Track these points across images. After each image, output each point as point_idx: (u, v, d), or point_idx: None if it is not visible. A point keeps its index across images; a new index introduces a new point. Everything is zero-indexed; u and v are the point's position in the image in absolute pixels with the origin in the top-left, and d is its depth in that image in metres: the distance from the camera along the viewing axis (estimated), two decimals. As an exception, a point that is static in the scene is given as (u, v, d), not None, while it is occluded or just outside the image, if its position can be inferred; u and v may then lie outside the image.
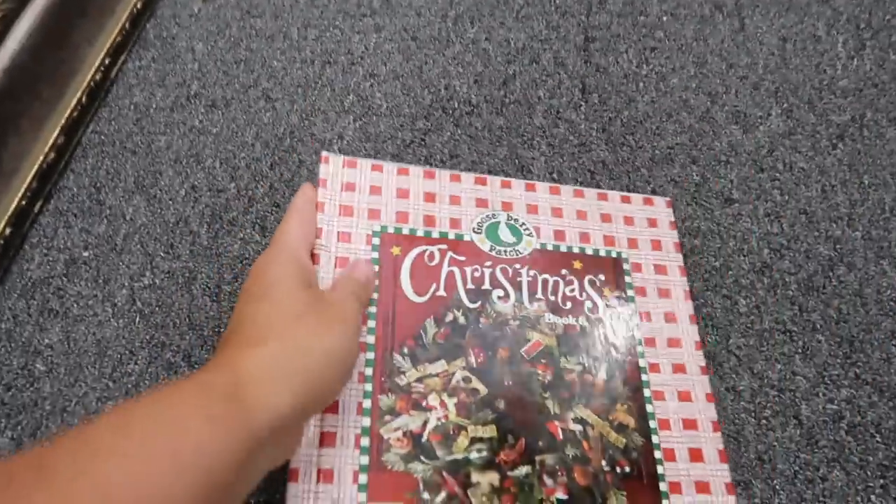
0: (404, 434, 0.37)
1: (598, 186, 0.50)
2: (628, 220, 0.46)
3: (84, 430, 0.25)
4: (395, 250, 0.42)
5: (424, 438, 0.37)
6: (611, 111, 0.53)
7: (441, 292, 0.41)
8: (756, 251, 0.46)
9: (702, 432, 0.39)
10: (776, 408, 0.41)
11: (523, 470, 0.37)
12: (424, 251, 0.42)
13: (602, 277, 0.43)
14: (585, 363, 0.41)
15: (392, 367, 0.39)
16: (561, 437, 0.38)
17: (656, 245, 0.45)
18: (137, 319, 0.47)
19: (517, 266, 0.43)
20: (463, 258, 0.43)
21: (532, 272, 0.43)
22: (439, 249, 0.43)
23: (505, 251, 0.43)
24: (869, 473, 0.38)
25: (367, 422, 0.37)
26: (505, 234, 0.44)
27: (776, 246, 0.46)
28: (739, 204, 0.48)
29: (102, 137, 0.55)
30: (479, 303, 0.42)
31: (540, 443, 0.38)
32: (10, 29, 0.52)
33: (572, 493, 0.37)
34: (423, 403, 0.38)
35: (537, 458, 0.37)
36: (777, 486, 0.38)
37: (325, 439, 0.36)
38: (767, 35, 0.56)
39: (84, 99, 0.56)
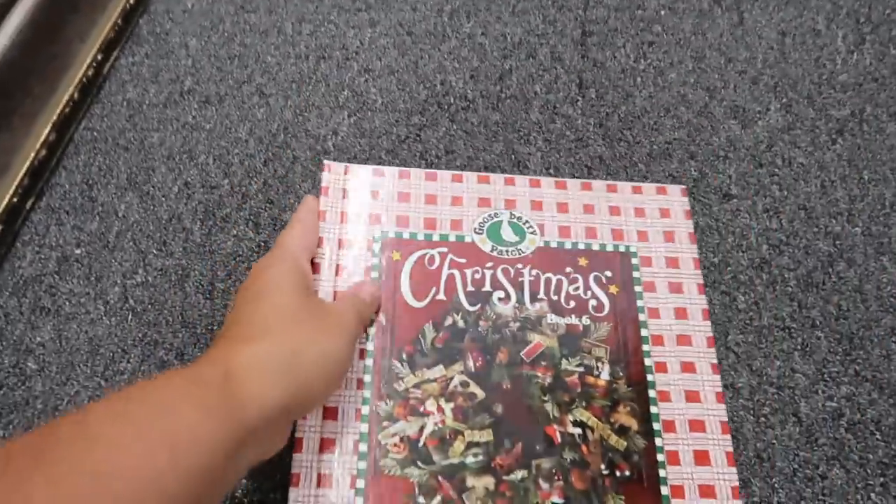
0: (401, 439, 0.37)
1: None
2: (639, 212, 0.44)
3: (81, 417, 0.25)
4: (396, 255, 0.42)
5: (421, 443, 0.37)
6: (608, 106, 0.53)
7: (441, 296, 0.41)
8: (755, 247, 0.46)
9: (709, 434, 0.38)
10: (775, 405, 0.40)
11: (519, 474, 0.37)
12: (425, 255, 0.42)
13: (609, 274, 0.42)
14: (587, 364, 0.40)
15: (390, 373, 0.39)
16: (559, 440, 0.38)
17: (669, 237, 0.44)
18: (130, 317, 0.47)
19: (519, 266, 0.42)
20: (463, 260, 0.42)
21: (535, 271, 0.42)
22: (439, 253, 0.42)
23: (507, 251, 0.43)
24: (869, 471, 0.38)
25: (365, 428, 0.37)
26: (507, 233, 0.44)
27: (775, 242, 0.46)
28: (738, 199, 0.48)
29: (95, 134, 0.55)
30: (479, 305, 0.41)
31: (537, 447, 0.38)
32: (-1, 24, 0.52)
33: (568, 497, 0.37)
34: (421, 409, 0.38)
35: (534, 462, 0.37)
36: (776, 485, 0.38)
37: (325, 445, 0.37)
38: (766, 29, 0.55)
39: (76, 95, 0.56)
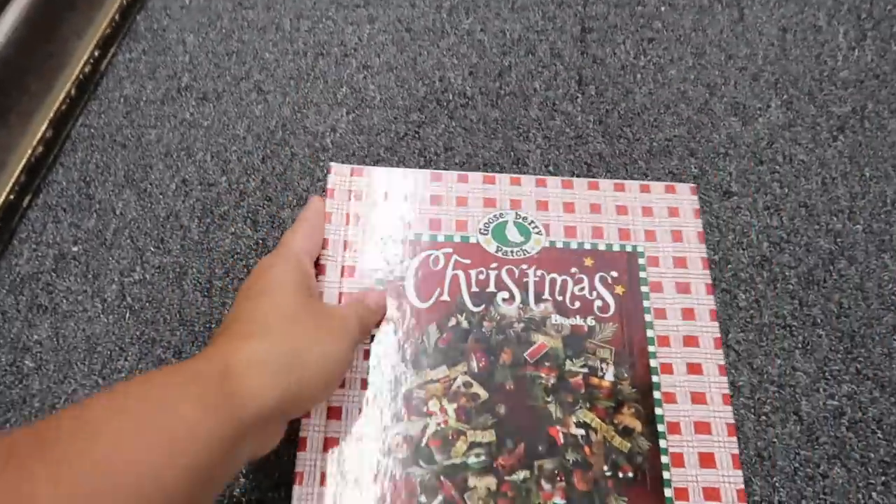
0: (404, 439, 0.38)
1: (595, 179, 0.49)
2: (647, 211, 0.44)
3: (83, 409, 0.26)
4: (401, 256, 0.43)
5: (423, 443, 0.38)
6: (608, 103, 0.53)
7: (445, 297, 0.41)
8: (755, 245, 0.45)
9: (715, 436, 0.38)
10: (776, 404, 0.40)
11: (521, 475, 0.37)
12: (429, 255, 0.42)
13: (615, 274, 0.42)
14: (591, 365, 0.40)
15: (394, 373, 0.39)
16: (562, 441, 0.38)
17: (677, 236, 0.43)
18: (127, 315, 0.46)
19: (524, 266, 0.42)
20: (468, 261, 0.42)
21: (539, 272, 0.42)
22: (444, 253, 0.42)
23: (512, 251, 0.43)
24: (870, 470, 0.38)
25: (368, 428, 0.38)
26: (512, 233, 0.43)
27: (776, 239, 0.46)
28: (738, 197, 0.47)
29: (92, 131, 0.55)
30: (483, 306, 0.41)
31: (539, 447, 0.38)
32: (-5, 20, 0.51)
33: (571, 498, 0.37)
34: (424, 409, 0.38)
35: (536, 462, 0.37)
36: (777, 484, 0.38)
37: (329, 444, 0.37)
38: (767, 25, 0.55)
39: (73, 92, 0.55)
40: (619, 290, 0.42)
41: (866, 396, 0.40)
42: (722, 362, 0.40)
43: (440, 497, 0.36)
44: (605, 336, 0.41)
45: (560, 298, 0.41)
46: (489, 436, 0.38)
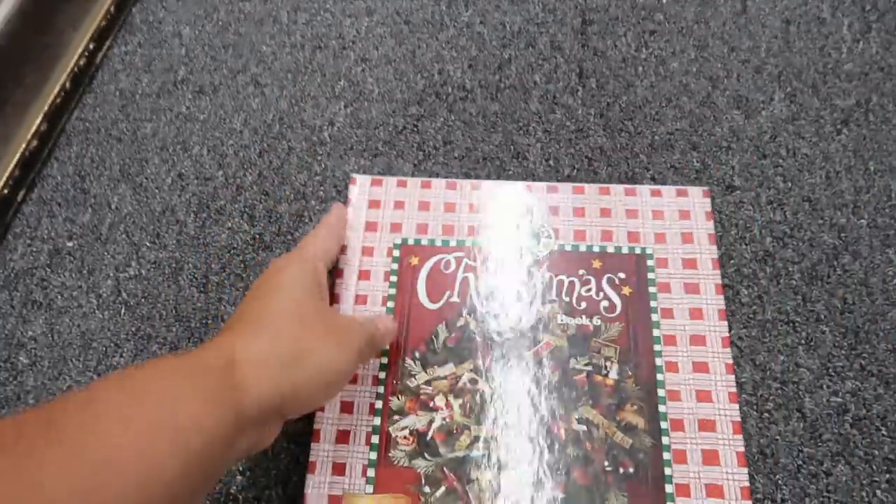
0: (411, 433, 0.39)
1: (595, 173, 0.48)
2: (657, 214, 0.45)
3: (92, 393, 0.26)
4: (414, 260, 0.44)
5: (429, 437, 0.39)
6: (609, 96, 0.52)
7: (455, 298, 0.43)
8: (758, 240, 0.45)
9: (720, 434, 0.38)
10: (779, 401, 0.40)
11: (522, 468, 0.38)
12: (441, 259, 0.44)
13: (622, 275, 0.43)
14: (596, 363, 0.40)
15: (404, 370, 0.41)
16: (563, 437, 0.39)
17: (687, 238, 0.44)
18: (123, 311, 0.46)
19: (532, 269, 0.44)
20: (478, 264, 0.44)
21: (548, 274, 0.43)
22: (455, 257, 0.44)
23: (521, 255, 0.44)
24: (874, 468, 0.37)
25: (377, 421, 0.40)
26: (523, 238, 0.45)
27: (779, 234, 0.45)
28: (741, 191, 0.47)
29: (87, 124, 0.54)
30: (491, 307, 0.43)
31: (541, 442, 0.38)
32: (-12, 12, 0.51)
33: (571, 492, 0.37)
34: (431, 404, 0.40)
35: (538, 457, 0.38)
36: (780, 481, 0.37)
37: (340, 437, 0.39)
38: (770, 17, 0.54)
39: (68, 85, 0.55)
40: (626, 290, 0.43)
41: (870, 393, 0.39)
42: (730, 361, 0.40)
43: (443, 488, 0.38)
44: (610, 335, 0.41)
45: (567, 299, 0.43)
46: (492, 430, 0.39)
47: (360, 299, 0.43)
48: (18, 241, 0.49)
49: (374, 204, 0.46)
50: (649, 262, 0.43)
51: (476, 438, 0.39)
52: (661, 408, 0.39)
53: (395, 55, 0.56)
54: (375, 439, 0.39)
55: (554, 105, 0.52)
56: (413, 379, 0.41)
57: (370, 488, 0.38)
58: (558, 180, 0.49)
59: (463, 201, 0.46)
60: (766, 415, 0.39)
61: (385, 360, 0.41)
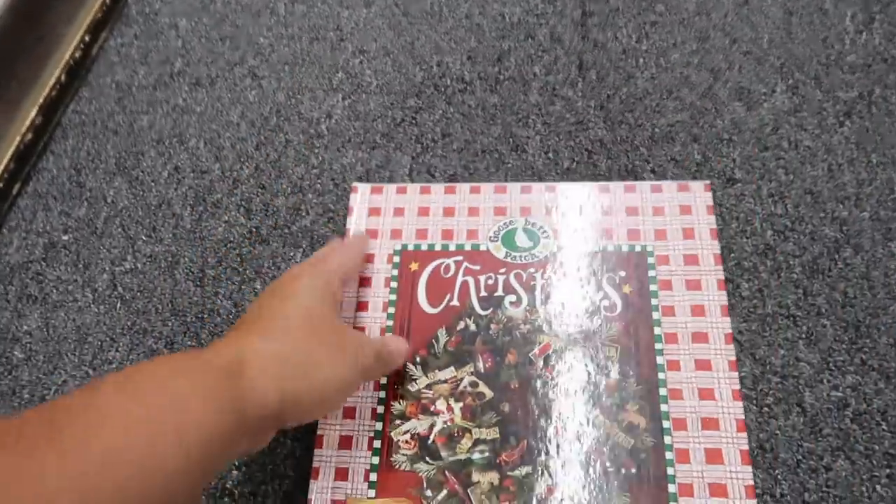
0: (412, 437, 0.39)
1: (595, 166, 0.48)
2: (658, 211, 0.45)
3: (95, 393, 0.26)
4: (414, 266, 0.44)
5: (430, 440, 0.39)
6: (609, 88, 0.51)
7: (454, 302, 0.43)
8: (759, 233, 0.44)
9: (723, 432, 0.38)
10: (779, 395, 0.39)
11: (523, 470, 0.38)
12: (441, 264, 0.44)
13: (623, 274, 0.43)
14: (597, 363, 0.40)
15: (405, 374, 0.41)
16: (564, 438, 0.38)
17: (689, 234, 0.44)
18: (118, 305, 0.46)
19: (532, 270, 0.43)
20: (477, 267, 0.44)
21: (547, 275, 0.43)
22: (455, 261, 0.44)
23: (520, 256, 0.44)
24: (874, 462, 0.37)
25: (379, 426, 0.40)
26: (521, 239, 0.45)
27: (780, 227, 0.45)
28: (742, 184, 0.46)
29: (83, 117, 0.54)
30: (491, 310, 0.43)
31: (542, 444, 0.38)
32: (-19, 4, 0.50)
33: (572, 493, 0.37)
34: (432, 408, 0.40)
35: (538, 458, 0.38)
36: (779, 476, 0.37)
37: (343, 442, 0.39)
38: (772, 8, 0.54)
39: (63, 78, 0.54)
40: (626, 289, 0.42)
41: (871, 387, 0.39)
42: (732, 358, 0.40)
43: (444, 491, 0.38)
44: (610, 335, 0.41)
45: (567, 299, 0.42)
46: (493, 433, 0.39)
47: (362, 306, 0.43)
48: (13, 235, 0.49)
49: (374, 212, 0.47)
50: (650, 260, 0.43)
51: (477, 441, 0.39)
52: (663, 407, 0.39)
53: (393, 47, 0.55)
54: (377, 444, 0.39)
55: (553, 97, 0.51)
56: (414, 383, 0.41)
57: (372, 492, 0.38)
58: (557, 173, 0.48)
59: (462, 205, 0.46)
60: (766, 409, 0.39)
61: None
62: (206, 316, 0.45)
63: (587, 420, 0.39)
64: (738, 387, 0.39)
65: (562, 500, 0.37)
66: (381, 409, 0.40)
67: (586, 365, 0.40)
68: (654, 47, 0.53)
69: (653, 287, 0.42)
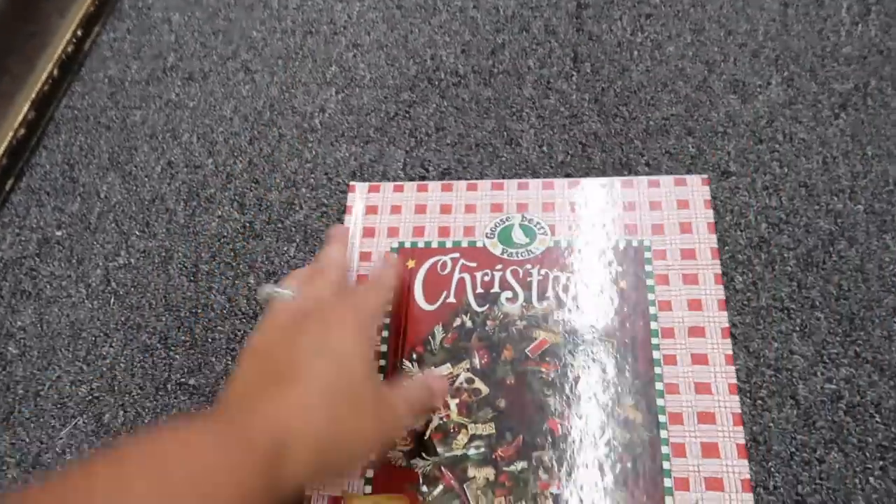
0: (408, 433, 0.39)
1: (589, 159, 0.48)
2: (655, 205, 0.45)
3: (119, 465, 0.25)
4: (410, 263, 0.44)
5: (426, 436, 0.39)
6: (604, 81, 0.51)
7: (451, 299, 0.43)
8: (753, 225, 0.44)
9: (719, 426, 0.38)
10: (772, 388, 0.39)
11: (519, 465, 0.38)
12: (437, 261, 0.44)
13: (619, 269, 0.43)
14: (594, 358, 0.40)
15: (401, 371, 0.41)
16: (560, 433, 0.38)
17: (686, 228, 0.44)
18: (112, 300, 0.45)
19: (528, 266, 0.43)
20: (474, 264, 0.44)
21: (543, 271, 0.43)
22: (451, 258, 0.44)
23: (517, 252, 0.44)
24: (868, 454, 0.37)
25: None
26: (518, 235, 0.45)
27: (774, 220, 0.44)
28: (737, 177, 0.46)
29: (75, 112, 0.53)
30: (487, 306, 0.43)
31: (538, 439, 0.38)
32: (-29, -2, 0.50)
33: (568, 488, 0.37)
34: None
35: (534, 454, 0.38)
36: (772, 468, 0.37)
37: None
38: (768, 0, 0.53)
39: (56, 72, 0.54)
40: (622, 284, 0.42)
41: (865, 380, 0.39)
42: (729, 352, 0.40)
43: (440, 487, 0.38)
44: (607, 330, 0.41)
45: (563, 295, 0.42)
46: (489, 429, 0.39)
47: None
48: (7, 231, 0.49)
49: (371, 210, 0.47)
50: (646, 255, 0.43)
51: (473, 437, 0.39)
52: (660, 401, 0.39)
53: (386, 40, 0.55)
54: None
55: (548, 90, 0.51)
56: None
57: (369, 489, 0.38)
58: (552, 166, 0.48)
59: (459, 202, 0.46)
60: (760, 402, 0.39)
61: (384, 363, 0.41)
62: (199, 311, 0.45)
63: (583, 415, 0.39)
64: (734, 381, 0.39)
65: (557, 495, 0.37)
66: None
67: (582, 360, 0.40)
68: (649, 40, 0.53)
69: (649, 282, 0.42)
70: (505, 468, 0.38)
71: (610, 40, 0.53)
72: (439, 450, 0.39)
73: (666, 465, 0.37)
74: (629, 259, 0.43)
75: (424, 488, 0.37)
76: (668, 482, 0.37)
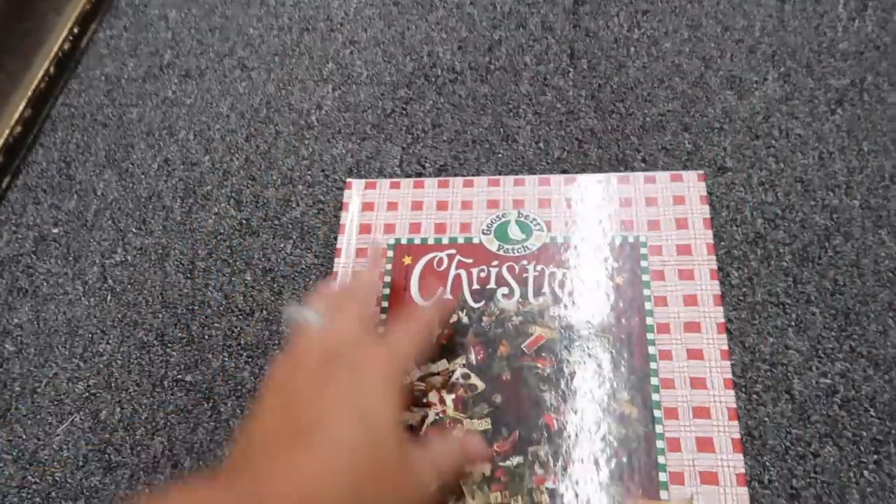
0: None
1: (586, 155, 0.48)
2: (651, 201, 0.45)
3: None
4: (407, 259, 0.44)
5: (422, 432, 0.39)
6: (600, 77, 0.51)
7: (447, 295, 0.43)
8: (749, 221, 0.44)
9: (714, 421, 0.38)
10: (767, 382, 0.39)
11: (515, 460, 0.38)
12: (434, 258, 0.44)
13: (615, 265, 0.43)
14: (589, 354, 0.40)
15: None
16: (556, 428, 0.38)
17: (682, 223, 0.44)
18: (109, 297, 0.46)
19: (524, 262, 0.43)
20: (470, 260, 0.44)
21: (539, 267, 0.43)
22: (448, 255, 0.44)
23: (513, 249, 0.44)
24: (862, 448, 0.37)
25: None
26: (514, 231, 0.45)
27: (770, 216, 0.44)
28: (733, 172, 0.46)
29: (72, 110, 0.53)
30: (483, 302, 0.43)
31: (534, 434, 0.38)
32: (-33, -4, 0.50)
33: (563, 483, 0.37)
34: (424, 400, 0.40)
35: (530, 449, 0.38)
36: (767, 463, 0.37)
37: None
38: (765, -4, 0.53)
39: (52, 70, 0.54)
40: (618, 280, 0.42)
41: (860, 374, 0.39)
42: (725, 347, 0.40)
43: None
44: (602, 325, 0.41)
45: (559, 291, 0.42)
46: (485, 424, 0.39)
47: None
48: (3, 228, 0.49)
49: (367, 206, 0.47)
50: (642, 251, 0.43)
51: (469, 432, 0.39)
52: (655, 396, 0.39)
53: (383, 37, 0.55)
54: None
55: (544, 87, 0.51)
56: (406, 376, 0.41)
57: None
58: (548, 163, 0.48)
59: (455, 199, 0.46)
60: (755, 396, 0.39)
61: None
62: (196, 308, 0.45)
63: (578, 410, 0.39)
64: (729, 376, 0.39)
65: (553, 489, 0.37)
66: None
67: (578, 356, 0.40)
68: (645, 36, 0.53)
69: (645, 277, 0.42)
70: (501, 463, 0.38)
71: (606, 37, 0.53)
72: None
73: (661, 459, 0.37)
74: (625, 255, 0.43)
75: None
76: (663, 476, 0.37)
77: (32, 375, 0.43)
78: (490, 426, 0.39)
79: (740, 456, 0.37)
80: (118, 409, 0.42)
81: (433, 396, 0.40)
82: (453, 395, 0.40)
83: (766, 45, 0.51)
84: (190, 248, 0.47)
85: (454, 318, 0.42)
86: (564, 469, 0.37)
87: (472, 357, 0.41)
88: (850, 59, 0.50)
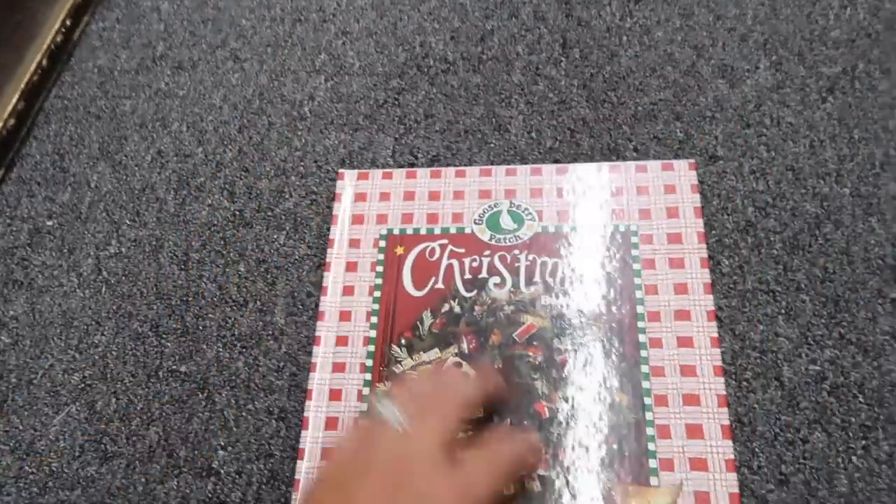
0: None
1: (578, 145, 0.48)
2: (642, 190, 0.45)
3: None
4: (399, 250, 0.45)
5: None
6: (592, 67, 0.51)
7: (439, 285, 0.43)
8: (740, 209, 0.45)
9: (704, 408, 0.38)
10: (757, 369, 0.40)
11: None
12: (426, 248, 0.45)
13: (606, 253, 0.43)
14: (580, 342, 0.40)
15: (390, 357, 0.42)
16: (547, 416, 0.39)
17: (672, 212, 0.44)
18: (103, 289, 0.46)
19: (516, 252, 0.44)
20: (462, 250, 0.44)
21: (531, 256, 0.43)
22: (440, 245, 0.44)
23: (505, 238, 0.44)
24: (850, 434, 0.37)
25: (364, 407, 0.40)
26: (506, 221, 0.45)
27: (761, 204, 0.45)
28: (724, 161, 0.46)
29: (65, 102, 0.54)
30: (475, 291, 0.43)
31: (525, 422, 0.39)
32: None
33: (554, 470, 0.37)
34: None
35: (521, 436, 0.38)
36: (756, 449, 0.38)
37: (329, 423, 0.40)
38: (757, -16, 0.53)
39: (45, 62, 0.54)
40: (609, 268, 0.43)
41: (849, 361, 0.39)
42: (715, 334, 0.40)
43: None
44: (594, 314, 0.41)
45: (550, 280, 0.43)
46: (476, 412, 0.38)
47: (347, 290, 0.44)
48: (-2, 221, 0.49)
49: (360, 197, 0.47)
50: (633, 239, 0.43)
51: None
52: (645, 384, 0.39)
53: (376, 28, 0.55)
54: None
55: (537, 76, 0.51)
56: (399, 365, 0.41)
57: None
58: (540, 152, 0.48)
59: (447, 189, 0.46)
60: (745, 383, 0.39)
61: (372, 348, 0.42)
62: (190, 299, 0.45)
63: (569, 398, 0.39)
64: (719, 363, 0.39)
65: (544, 476, 0.37)
66: (366, 392, 0.41)
67: (569, 344, 0.41)
68: (637, 25, 0.53)
69: (636, 266, 0.42)
70: None
71: (599, 26, 0.53)
72: None
73: (651, 446, 0.38)
74: (616, 244, 0.43)
75: None
76: (653, 463, 0.37)
77: (28, 367, 0.44)
78: (481, 414, 0.39)
79: (730, 442, 0.37)
80: (114, 400, 0.42)
81: None
82: None
83: (757, 34, 0.51)
84: (184, 240, 0.47)
85: (446, 308, 0.42)
86: (555, 456, 0.38)
87: (465, 346, 0.41)
88: (841, 47, 0.50)
